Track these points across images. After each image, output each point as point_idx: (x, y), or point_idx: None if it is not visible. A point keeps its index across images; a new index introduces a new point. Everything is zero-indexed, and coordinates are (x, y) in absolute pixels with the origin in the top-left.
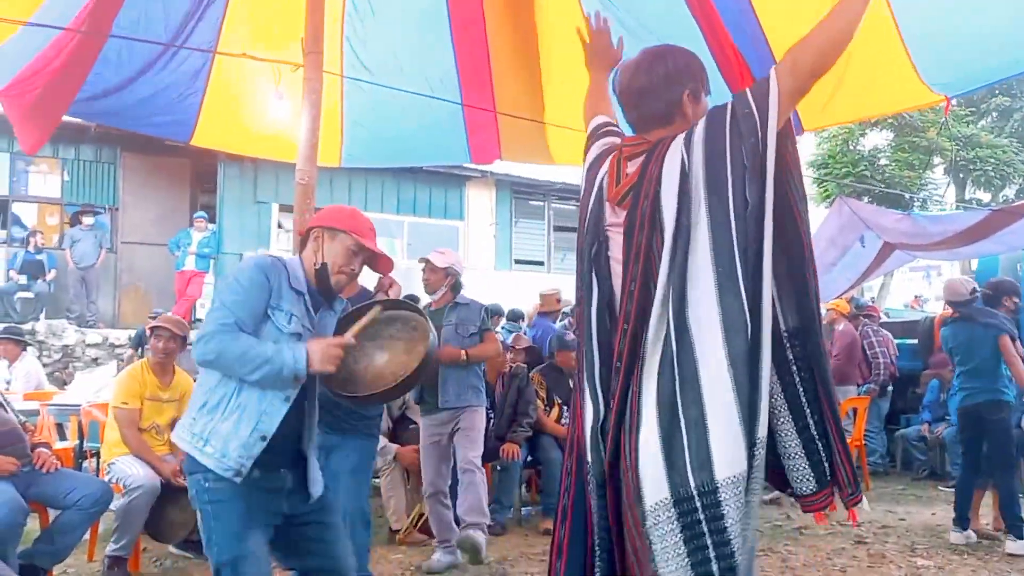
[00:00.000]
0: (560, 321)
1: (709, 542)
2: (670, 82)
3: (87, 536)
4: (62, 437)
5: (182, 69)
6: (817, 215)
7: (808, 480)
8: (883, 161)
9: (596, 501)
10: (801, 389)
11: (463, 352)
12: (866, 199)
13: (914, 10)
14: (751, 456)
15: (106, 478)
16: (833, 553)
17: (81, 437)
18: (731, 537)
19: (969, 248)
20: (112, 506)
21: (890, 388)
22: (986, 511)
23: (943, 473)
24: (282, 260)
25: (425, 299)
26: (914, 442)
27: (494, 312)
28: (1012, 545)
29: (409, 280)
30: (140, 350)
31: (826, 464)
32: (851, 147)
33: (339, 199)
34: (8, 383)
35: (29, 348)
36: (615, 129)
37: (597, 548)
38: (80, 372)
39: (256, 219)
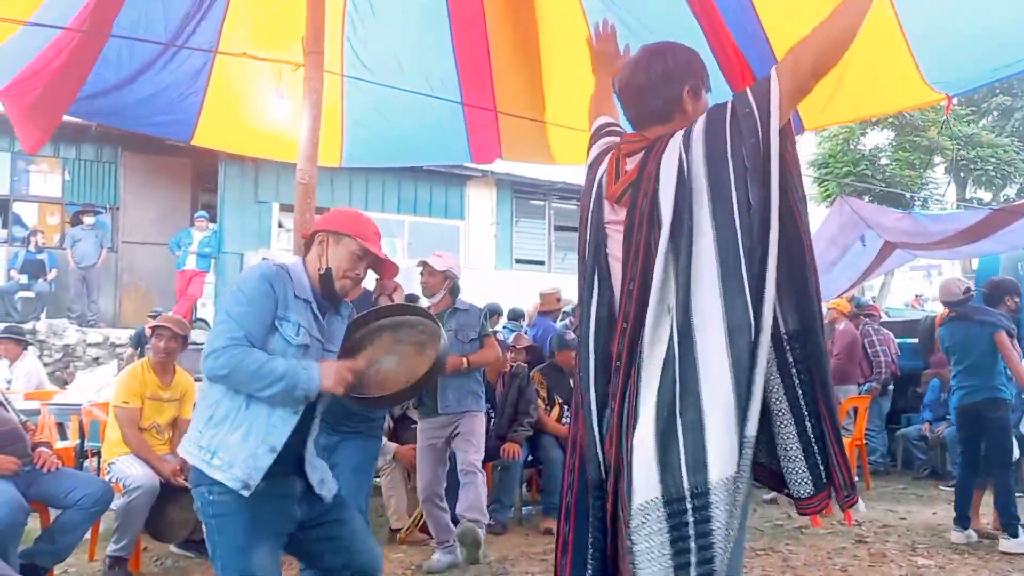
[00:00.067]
0: (561, 320)
1: (692, 545)
2: (669, 79)
3: (88, 536)
4: (63, 437)
5: (183, 69)
6: (818, 214)
7: (806, 483)
8: (884, 160)
9: (592, 501)
10: (800, 392)
11: (464, 360)
12: (867, 198)
13: (917, 9)
14: (740, 455)
15: (106, 478)
16: (834, 552)
17: (82, 436)
18: (714, 541)
19: (970, 247)
20: (112, 506)
21: (891, 387)
22: (986, 510)
23: (944, 472)
24: (285, 268)
25: (423, 301)
26: (915, 441)
27: (493, 312)
28: (1006, 543)
29: (409, 280)
30: (140, 349)
31: (822, 467)
32: (852, 146)
33: (339, 198)
34: (9, 382)
35: (30, 347)
36: (617, 129)
37: (591, 547)
38: (81, 371)
39: (257, 219)
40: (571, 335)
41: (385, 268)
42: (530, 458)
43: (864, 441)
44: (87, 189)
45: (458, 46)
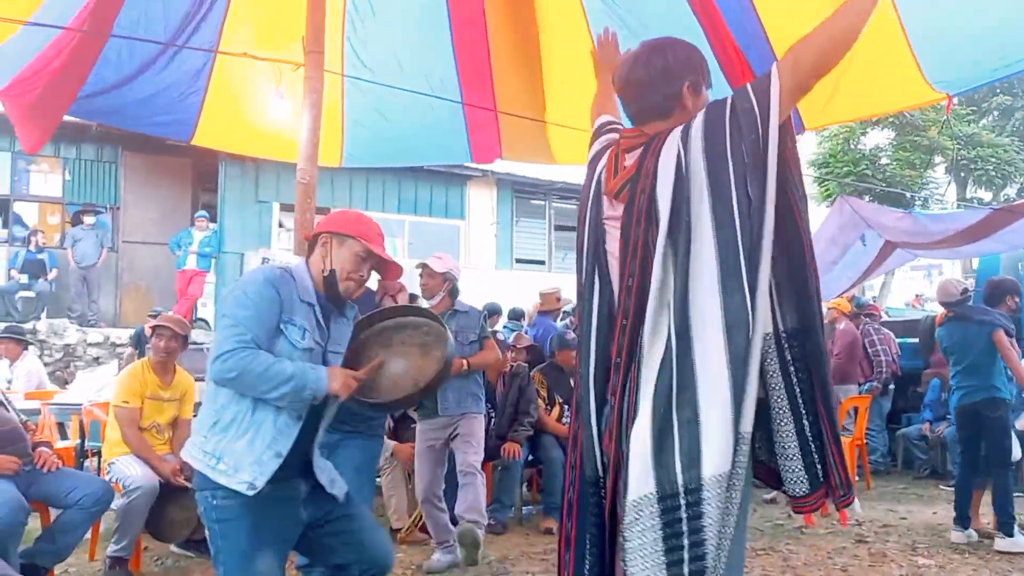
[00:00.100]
0: (561, 320)
1: (686, 542)
2: (669, 75)
3: (88, 535)
4: (63, 436)
5: (183, 69)
6: (818, 214)
7: (801, 482)
8: (884, 160)
9: (589, 498)
10: (798, 390)
11: (464, 362)
12: (867, 198)
13: (919, 9)
14: (735, 452)
15: (106, 478)
16: (834, 552)
17: (82, 436)
18: (706, 538)
19: (970, 247)
20: (112, 506)
21: (891, 387)
22: (986, 510)
23: (944, 472)
24: (289, 270)
25: (422, 303)
26: (915, 441)
27: (492, 312)
28: (1002, 543)
29: (410, 281)
30: (139, 349)
31: (819, 466)
32: (852, 146)
33: (340, 198)
34: (9, 382)
35: (30, 347)
36: (618, 126)
37: (588, 543)
38: (81, 371)
39: (257, 218)
40: (571, 335)
41: (389, 269)
42: (530, 458)
43: (864, 441)
44: (87, 189)
45: (458, 46)
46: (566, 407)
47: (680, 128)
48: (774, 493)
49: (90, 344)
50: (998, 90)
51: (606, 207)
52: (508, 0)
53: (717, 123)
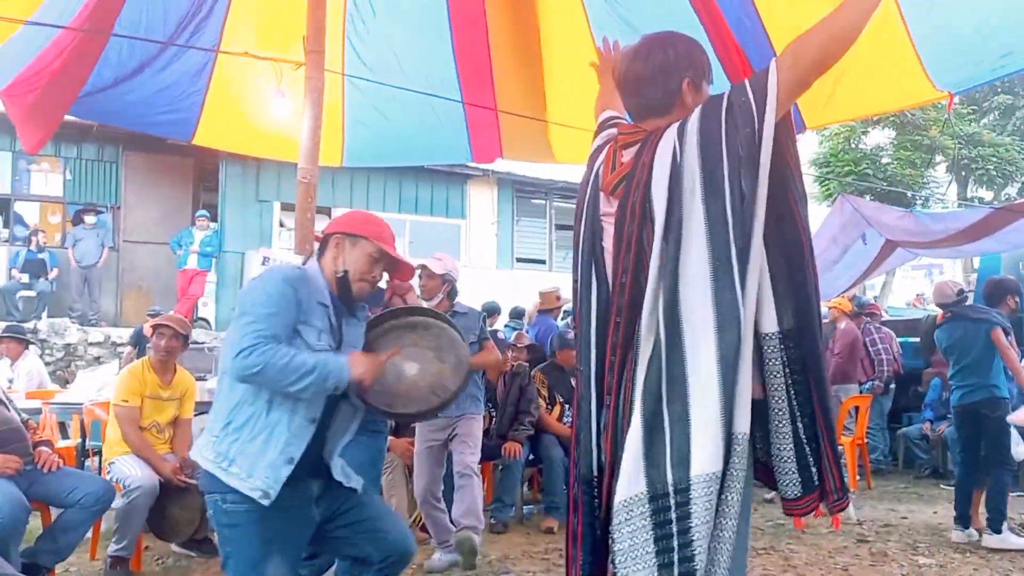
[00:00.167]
0: (562, 319)
1: (675, 543)
2: (669, 70)
3: (89, 535)
4: (64, 436)
5: (184, 68)
6: (819, 213)
7: (794, 484)
8: (885, 159)
9: (584, 497)
10: (793, 392)
11: None
12: (868, 197)
13: (922, 5)
14: (729, 452)
15: (107, 477)
16: (835, 551)
17: (83, 436)
18: (694, 538)
19: (971, 246)
20: (113, 505)
21: (892, 386)
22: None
23: (945, 472)
24: (304, 271)
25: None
26: (916, 440)
27: (491, 311)
28: (989, 539)
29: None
30: (138, 348)
31: (814, 469)
32: (853, 145)
33: (340, 198)
34: (11, 381)
35: (31, 347)
36: (621, 121)
37: (584, 543)
38: (82, 371)
39: (258, 218)
40: (572, 334)
41: (401, 269)
42: (531, 457)
43: (865, 440)
44: (88, 188)
45: (459, 45)
46: (567, 407)
47: (677, 124)
48: (774, 493)
49: (91, 343)
50: (999, 89)
51: (603, 204)
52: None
53: (713, 118)
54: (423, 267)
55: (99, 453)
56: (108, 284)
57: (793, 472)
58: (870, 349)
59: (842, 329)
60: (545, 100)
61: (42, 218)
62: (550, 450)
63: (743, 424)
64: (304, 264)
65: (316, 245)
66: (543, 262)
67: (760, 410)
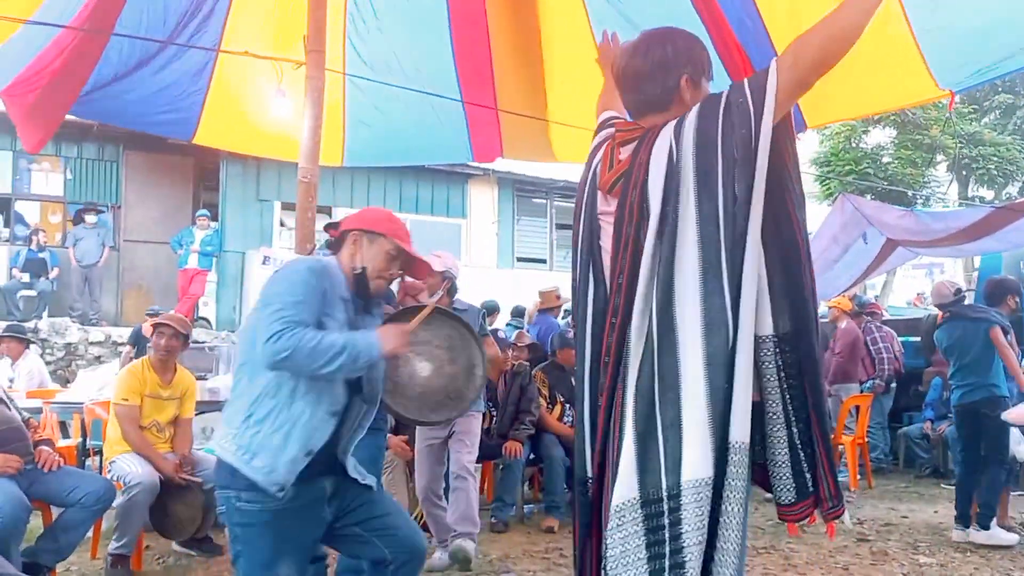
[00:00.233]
0: (563, 318)
1: (667, 549)
2: (667, 67)
3: (90, 534)
4: (65, 435)
5: (184, 68)
6: (819, 213)
7: (788, 490)
8: (886, 159)
9: (579, 498)
10: (788, 396)
11: None
12: (869, 197)
13: (927, 6)
14: (724, 462)
15: (108, 476)
16: (835, 551)
17: (84, 435)
18: (684, 545)
19: (972, 245)
20: (114, 504)
21: (893, 385)
22: None
23: (945, 471)
24: (327, 264)
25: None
26: (916, 440)
27: (491, 310)
28: (977, 535)
29: None
30: (137, 348)
31: (808, 475)
32: (854, 144)
33: (341, 197)
34: (11, 381)
35: (32, 346)
36: (620, 121)
37: (578, 543)
38: (83, 370)
39: (259, 217)
40: (572, 333)
41: (417, 268)
42: (532, 456)
43: (866, 439)
44: (89, 188)
45: (459, 44)
46: (567, 406)
47: (675, 121)
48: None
49: (91, 343)
50: (1000, 88)
51: (600, 202)
52: None
53: (710, 117)
54: None
55: (100, 452)
56: (109, 283)
57: (787, 477)
58: (871, 348)
59: (843, 328)
60: (546, 99)
61: (43, 217)
62: (551, 449)
63: (740, 432)
64: None
65: (323, 241)
66: (544, 261)
67: (756, 413)
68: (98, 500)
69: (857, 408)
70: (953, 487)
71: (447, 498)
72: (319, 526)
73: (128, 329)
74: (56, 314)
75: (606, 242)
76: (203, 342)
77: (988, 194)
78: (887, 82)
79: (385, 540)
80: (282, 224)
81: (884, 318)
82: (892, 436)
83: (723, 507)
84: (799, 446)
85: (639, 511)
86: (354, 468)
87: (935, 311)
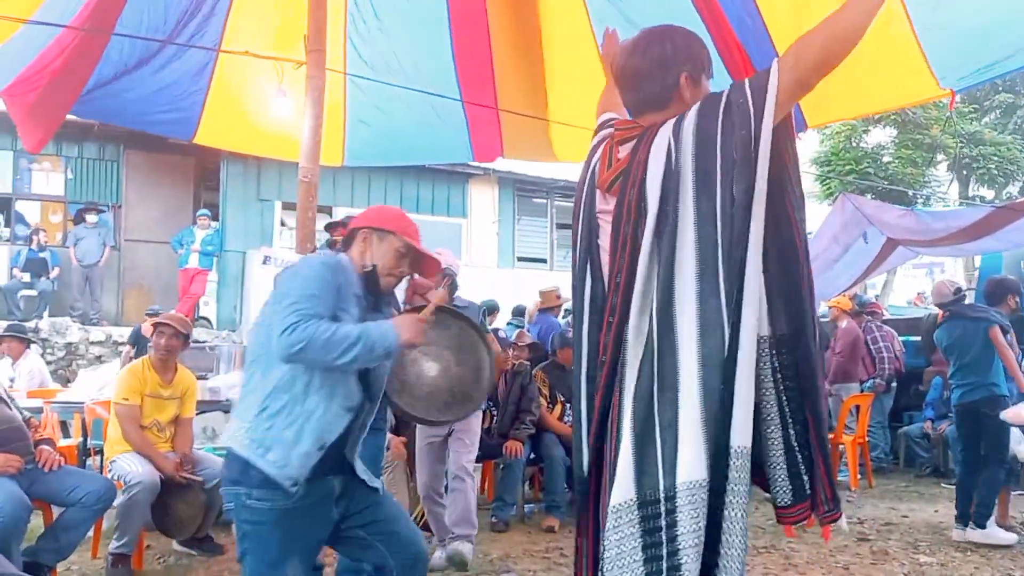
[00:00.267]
0: (563, 317)
1: (664, 552)
2: (667, 64)
3: (91, 533)
4: (66, 434)
5: (185, 67)
6: (820, 212)
7: (785, 492)
8: (886, 158)
9: (580, 497)
10: (785, 398)
11: None
12: (869, 196)
13: (928, 5)
14: (724, 466)
15: (108, 475)
16: (836, 550)
17: (85, 434)
18: (680, 547)
19: (972, 244)
20: (114, 503)
21: (894, 385)
22: None
23: (946, 470)
24: (341, 259)
25: None
26: (917, 439)
27: (491, 309)
28: (972, 533)
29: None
30: (136, 348)
31: (805, 477)
32: (854, 144)
33: (342, 197)
34: (12, 380)
35: (33, 346)
36: (620, 120)
37: (578, 542)
38: (83, 369)
39: (259, 217)
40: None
41: (427, 265)
42: (532, 456)
43: (867, 439)
44: (89, 187)
45: (459, 44)
46: (568, 405)
47: (673, 120)
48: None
49: (92, 342)
50: (1000, 88)
51: (599, 201)
52: None
53: (710, 116)
54: None
55: (100, 452)
56: (109, 283)
57: (784, 479)
58: (871, 348)
59: (843, 328)
60: (546, 99)
61: (43, 217)
62: (551, 449)
63: (742, 437)
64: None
65: (323, 241)
66: (544, 261)
67: (753, 414)
68: (99, 500)
69: (858, 407)
70: (953, 486)
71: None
72: (327, 525)
73: (128, 329)
74: (57, 314)
75: (604, 241)
76: (204, 341)
77: (988, 194)
78: (888, 81)
79: (388, 545)
80: (283, 224)
81: (884, 317)
82: (893, 435)
83: (725, 512)
84: (796, 448)
85: (636, 512)
86: (362, 469)
87: (935, 310)
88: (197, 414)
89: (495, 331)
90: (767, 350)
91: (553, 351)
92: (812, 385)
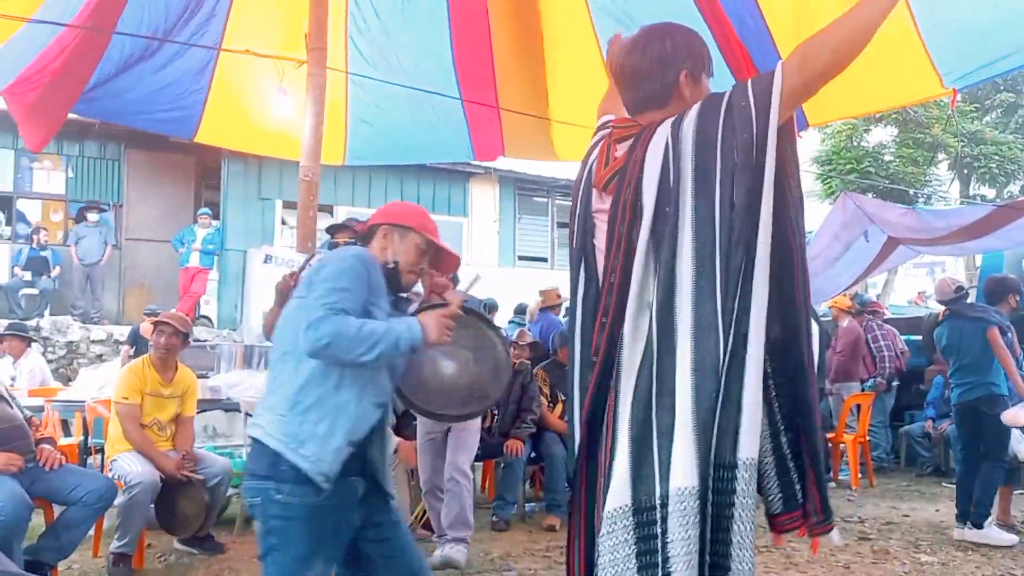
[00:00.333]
0: (565, 316)
1: (659, 559)
2: (666, 62)
3: (92, 532)
4: (67, 433)
5: (186, 66)
6: (821, 211)
7: (776, 501)
8: (887, 157)
9: (576, 497)
10: (776, 405)
11: None
12: (870, 195)
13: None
14: (721, 477)
15: (109, 474)
16: (836, 549)
17: (85, 433)
18: (671, 555)
19: (973, 243)
20: (115, 503)
21: (895, 384)
22: None
23: (947, 470)
24: (372, 254)
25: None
26: (918, 438)
27: (490, 308)
28: (968, 533)
29: None
30: (135, 347)
31: (797, 487)
32: (855, 143)
33: (343, 195)
34: (13, 379)
35: (34, 344)
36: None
37: (574, 545)
38: (84, 368)
39: (260, 216)
40: None
41: (445, 261)
42: (533, 455)
43: (868, 438)
44: (90, 186)
45: (461, 43)
46: None
47: (672, 119)
48: None
49: (93, 341)
50: (1001, 87)
51: (595, 200)
52: None
53: (711, 117)
54: None
55: (101, 451)
56: (110, 282)
57: (774, 488)
58: (872, 347)
59: (844, 327)
60: (547, 98)
61: (44, 216)
62: (552, 448)
63: (750, 449)
64: (310, 260)
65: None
66: (545, 260)
67: None
68: (100, 498)
69: (859, 407)
70: (954, 485)
71: None
72: (350, 529)
73: (129, 327)
74: (58, 312)
75: (600, 240)
76: (204, 340)
77: (990, 193)
78: (891, 79)
79: (391, 569)
80: (284, 223)
81: (885, 317)
82: (894, 435)
83: (734, 527)
84: (788, 457)
85: (631, 519)
86: (382, 475)
87: (936, 310)
88: (198, 413)
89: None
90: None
91: (554, 350)
92: (804, 393)
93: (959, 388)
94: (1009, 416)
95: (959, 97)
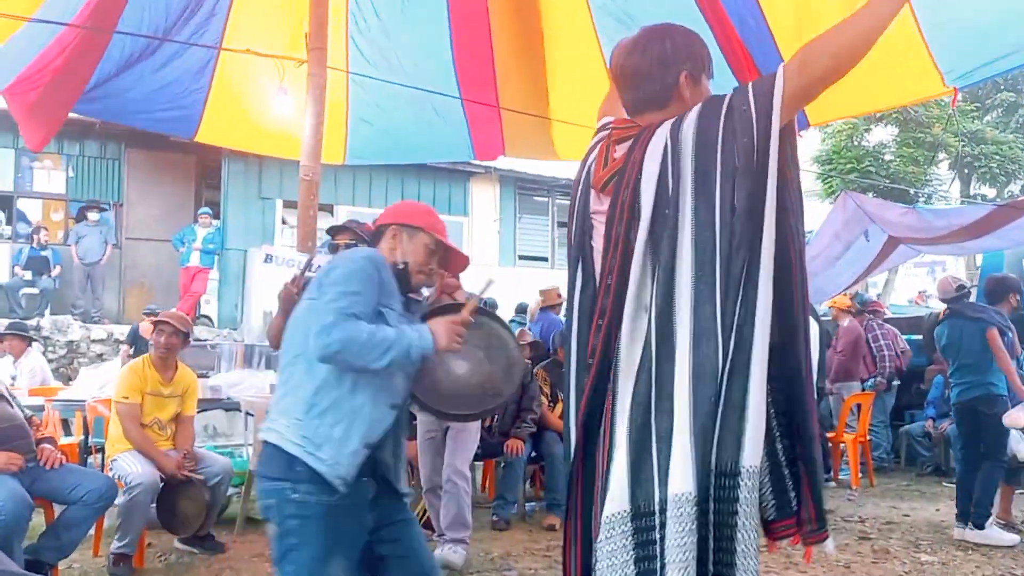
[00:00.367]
0: (566, 315)
1: (658, 565)
2: (666, 63)
3: (92, 531)
4: (67, 433)
5: (186, 66)
6: (821, 211)
7: (769, 508)
8: (888, 157)
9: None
10: (772, 410)
11: None
12: (871, 194)
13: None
14: (721, 485)
15: (109, 474)
16: (837, 548)
17: (86, 433)
18: (668, 560)
19: (974, 243)
20: (115, 502)
21: (896, 383)
22: None
23: (947, 469)
24: (383, 256)
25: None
26: (918, 438)
27: (491, 307)
28: (971, 533)
29: None
30: (135, 347)
31: (792, 493)
32: (856, 142)
33: (343, 195)
34: (13, 378)
35: (34, 344)
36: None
37: (571, 547)
38: (85, 368)
39: (260, 215)
40: None
41: (454, 260)
42: (533, 454)
43: (868, 437)
44: (91, 186)
45: (461, 43)
46: None
47: (672, 120)
48: None
49: (94, 340)
50: (1002, 86)
51: (593, 201)
52: None
53: (711, 120)
54: None
55: (102, 450)
56: (111, 281)
57: (768, 495)
58: (872, 346)
59: (845, 327)
60: (548, 97)
61: (45, 215)
62: (552, 447)
63: (753, 456)
64: (311, 261)
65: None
66: (545, 259)
67: None
68: (100, 498)
69: (859, 406)
70: (954, 485)
71: None
72: (364, 531)
73: (129, 327)
74: (58, 312)
75: (597, 242)
76: (205, 340)
77: (990, 192)
78: (892, 79)
79: (404, 569)
80: (284, 222)
81: (886, 316)
82: (894, 434)
83: (738, 535)
84: (783, 463)
85: (629, 524)
86: (394, 476)
87: (937, 309)
88: (198, 412)
89: None
90: None
91: (554, 349)
92: (800, 398)
93: (958, 387)
94: (1009, 418)
95: (960, 96)
